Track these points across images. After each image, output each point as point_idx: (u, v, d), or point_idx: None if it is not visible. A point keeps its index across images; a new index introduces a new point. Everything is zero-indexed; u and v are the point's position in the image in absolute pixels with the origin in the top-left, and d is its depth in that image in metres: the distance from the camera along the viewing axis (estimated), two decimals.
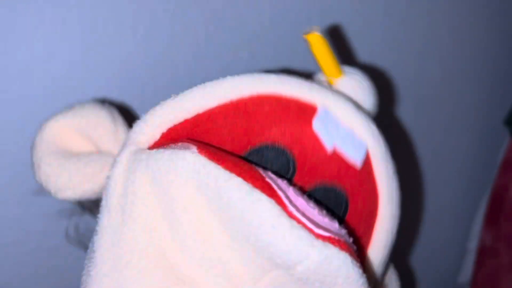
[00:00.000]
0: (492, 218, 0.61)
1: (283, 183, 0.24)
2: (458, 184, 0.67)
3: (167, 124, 0.28)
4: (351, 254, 0.23)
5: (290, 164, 0.29)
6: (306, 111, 0.29)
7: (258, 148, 0.29)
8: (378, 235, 0.30)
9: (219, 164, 0.23)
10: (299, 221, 0.22)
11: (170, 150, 0.24)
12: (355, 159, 0.29)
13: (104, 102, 0.34)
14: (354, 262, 0.23)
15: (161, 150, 0.25)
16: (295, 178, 0.29)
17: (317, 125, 0.28)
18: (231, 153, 0.28)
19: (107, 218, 0.25)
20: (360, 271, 0.23)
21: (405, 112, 0.57)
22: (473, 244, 0.67)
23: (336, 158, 0.29)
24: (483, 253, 0.62)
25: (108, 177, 0.26)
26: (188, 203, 0.23)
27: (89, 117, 0.30)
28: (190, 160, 0.23)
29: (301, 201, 0.24)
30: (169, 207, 0.24)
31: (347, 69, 0.34)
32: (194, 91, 0.28)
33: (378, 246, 0.31)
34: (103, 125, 0.30)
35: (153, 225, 0.24)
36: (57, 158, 0.29)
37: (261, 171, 0.24)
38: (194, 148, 0.24)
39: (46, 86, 0.37)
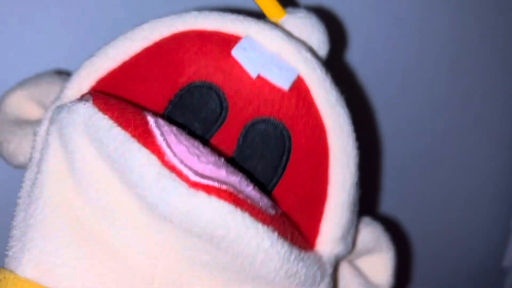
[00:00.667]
0: None
1: (168, 129, 0.23)
2: (499, 156, 0.59)
3: (94, 76, 0.28)
4: (234, 202, 0.21)
5: (221, 101, 0.28)
6: (230, 43, 0.28)
7: (187, 88, 0.28)
8: (333, 170, 0.28)
9: (106, 113, 0.23)
10: (173, 169, 0.21)
11: (70, 103, 0.25)
12: (282, 83, 0.27)
13: (61, 72, 0.35)
14: (238, 211, 0.21)
15: (64, 104, 0.25)
16: (230, 115, 0.28)
17: (237, 52, 0.27)
18: (139, 104, 0.27)
19: (29, 172, 0.26)
20: (251, 219, 0.21)
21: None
22: None
23: (267, 90, 0.28)
24: None
25: (34, 133, 0.27)
26: (85, 155, 0.23)
27: (42, 85, 0.32)
28: (81, 112, 0.23)
29: (182, 148, 0.23)
30: (71, 159, 0.24)
31: (292, 10, 0.31)
32: (117, 39, 0.28)
33: (336, 185, 0.28)
34: (55, 92, 0.30)
35: (60, 177, 0.24)
36: (10, 126, 0.30)
37: (150, 118, 0.24)
38: (90, 99, 0.24)
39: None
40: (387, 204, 0.55)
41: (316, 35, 0.30)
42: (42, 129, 0.27)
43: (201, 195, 0.21)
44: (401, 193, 0.54)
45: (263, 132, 0.28)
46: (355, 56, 0.48)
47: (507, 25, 0.54)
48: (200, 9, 0.31)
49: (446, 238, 0.59)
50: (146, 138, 0.22)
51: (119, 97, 0.27)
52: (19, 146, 0.29)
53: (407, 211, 0.55)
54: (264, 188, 0.28)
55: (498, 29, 0.54)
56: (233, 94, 0.28)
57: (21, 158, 0.30)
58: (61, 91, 0.28)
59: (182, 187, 0.21)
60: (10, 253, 0.24)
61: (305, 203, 0.28)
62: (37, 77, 0.33)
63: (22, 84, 0.32)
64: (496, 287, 0.61)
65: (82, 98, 0.25)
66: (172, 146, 0.22)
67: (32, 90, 0.32)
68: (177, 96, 0.28)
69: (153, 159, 0.21)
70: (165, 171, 0.21)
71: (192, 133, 0.27)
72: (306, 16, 0.31)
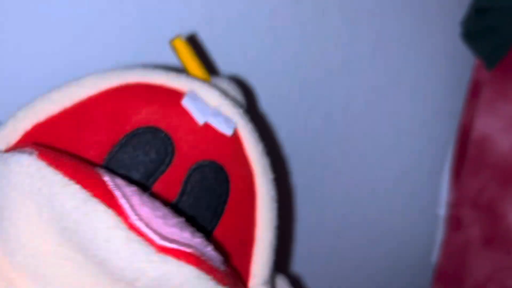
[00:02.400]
0: (457, 172, 0.46)
1: (129, 190, 0.24)
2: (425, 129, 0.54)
3: (31, 120, 0.28)
4: (200, 266, 0.22)
5: (167, 144, 0.29)
6: (174, 94, 0.30)
7: (134, 132, 0.29)
8: (260, 213, 0.31)
9: (58, 169, 0.22)
10: (139, 233, 0.22)
11: (7, 153, 0.24)
12: (227, 130, 0.30)
13: None
14: (203, 275, 0.22)
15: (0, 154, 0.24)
16: (176, 158, 0.29)
17: (187, 102, 0.30)
18: (83, 158, 0.27)
19: None
20: (213, 283, 0.23)
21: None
22: (443, 210, 0.52)
23: (211, 136, 0.30)
24: (448, 223, 0.48)
25: None
26: (20, 212, 0.23)
27: None
28: (24, 163, 0.23)
29: (146, 210, 0.23)
30: (1, 215, 0.23)
31: (214, 78, 0.35)
32: (64, 84, 0.29)
33: (264, 227, 0.31)
34: None
35: None
36: None
37: (106, 177, 0.24)
38: (34, 152, 0.23)
39: None
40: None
41: (238, 97, 0.35)
42: None
43: (171, 261, 0.21)
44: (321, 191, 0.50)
45: (206, 175, 0.30)
46: None
47: None
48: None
49: (376, 232, 0.55)
50: (109, 199, 0.22)
51: (57, 144, 0.27)
52: None
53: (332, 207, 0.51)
54: (205, 229, 0.29)
55: None
56: (179, 139, 0.30)
57: None
58: None
59: (151, 251, 0.21)
60: None
61: (240, 244, 0.31)
62: None
63: None
64: (425, 281, 0.57)
65: (23, 149, 0.24)
66: (136, 208, 0.23)
67: None
68: (124, 139, 0.29)
69: (120, 221, 0.21)
70: (133, 235, 0.21)
71: (143, 174, 0.28)
72: (228, 83, 0.35)
